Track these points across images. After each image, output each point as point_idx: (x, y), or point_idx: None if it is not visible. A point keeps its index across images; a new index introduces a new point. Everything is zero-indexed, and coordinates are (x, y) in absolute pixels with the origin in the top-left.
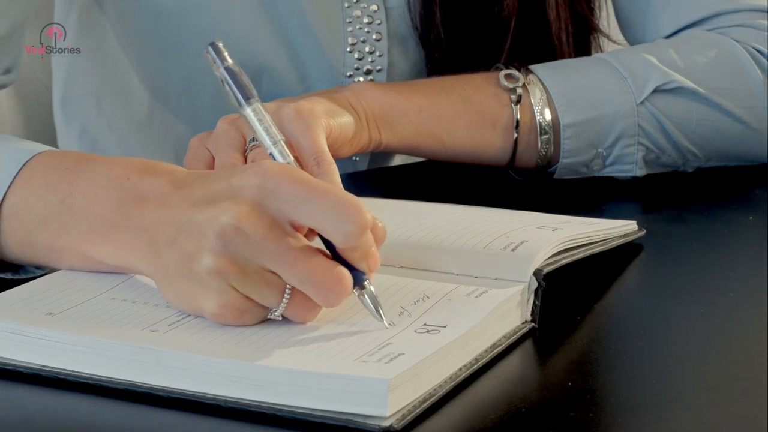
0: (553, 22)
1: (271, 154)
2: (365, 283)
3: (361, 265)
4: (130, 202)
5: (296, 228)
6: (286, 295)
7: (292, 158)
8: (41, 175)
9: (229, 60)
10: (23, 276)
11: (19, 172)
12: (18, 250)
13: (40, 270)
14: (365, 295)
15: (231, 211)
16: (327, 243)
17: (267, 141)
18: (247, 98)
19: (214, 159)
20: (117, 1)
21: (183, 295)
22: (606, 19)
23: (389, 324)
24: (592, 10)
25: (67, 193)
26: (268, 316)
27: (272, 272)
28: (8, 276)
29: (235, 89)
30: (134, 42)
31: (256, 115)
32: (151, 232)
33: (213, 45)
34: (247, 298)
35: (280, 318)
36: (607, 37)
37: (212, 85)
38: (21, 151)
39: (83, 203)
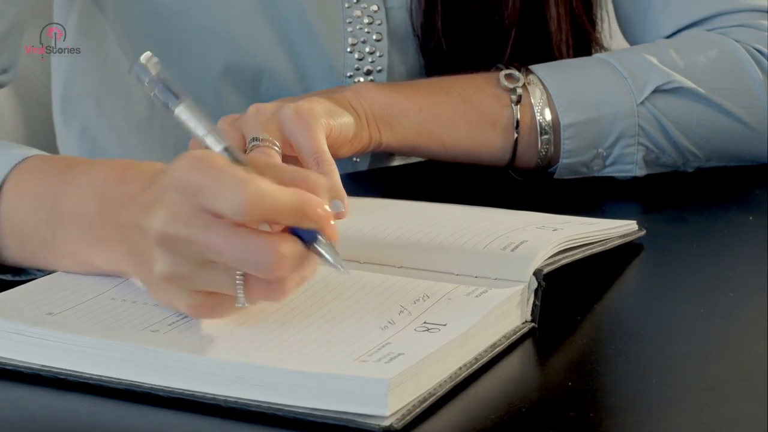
0: (554, 33)
1: (207, 146)
2: (317, 236)
3: (306, 227)
4: (109, 208)
5: (218, 215)
6: (238, 279)
7: (226, 143)
8: (30, 181)
9: (154, 71)
10: (24, 278)
11: (6, 177)
12: (16, 254)
13: (41, 272)
14: (318, 247)
15: (157, 217)
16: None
17: (199, 133)
18: (175, 100)
19: None
20: (117, 2)
21: (160, 298)
22: (608, 30)
23: (345, 271)
24: (593, 23)
25: (55, 202)
26: (236, 305)
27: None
28: (8, 278)
29: (162, 98)
30: (134, 42)
31: (188, 112)
32: (127, 237)
33: (137, 63)
34: (212, 294)
35: (246, 305)
36: (608, 50)
37: (212, 82)
38: (8, 155)
39: (71, 211)
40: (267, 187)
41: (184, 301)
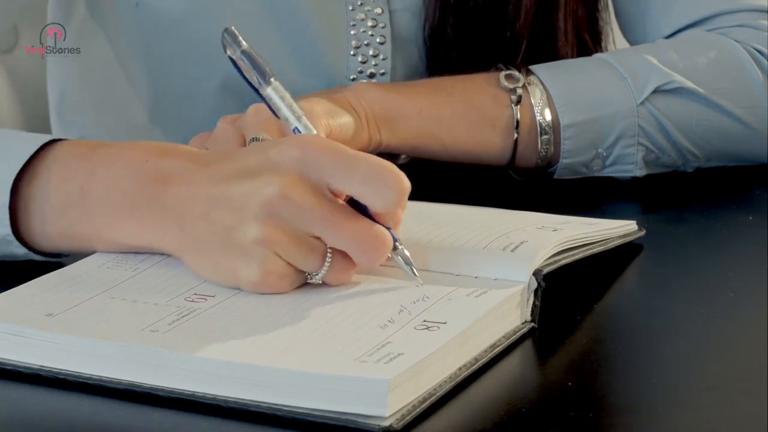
0: (561, 47)
1: (295, 129)
2: (396, 243)
3: (388, 223)
4: (151, 182)
5: (335, 194)
6: (327, 259)
7: (315, 131)
8: (55, 164)
9: (245, 43)
10: (59, 260)
11: (36, 157)
12: (49, 236)
13: (75, 255)
14: (398, 256)
15: (276, 182)
16: (359, 208)
17: (291, 117)
18: (266, 78)
19: None
20: (117, 10)
21: (219, 266)
22: (613, 44)
23: (421, 283)
24: (597, 37)
25: (85, 181)
26: (309, 281)
27: (315, 238)
28: (41, 259)
29: (253, 71)
30: (134, 50)
31: (278, 93)
32: (178, 209)
33: (227, 30)
34: (288, 264)
35: (320, 282)
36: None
37: (213, 93)
38: (38, 136)
39: (102, 189)
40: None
41: (262, 266)
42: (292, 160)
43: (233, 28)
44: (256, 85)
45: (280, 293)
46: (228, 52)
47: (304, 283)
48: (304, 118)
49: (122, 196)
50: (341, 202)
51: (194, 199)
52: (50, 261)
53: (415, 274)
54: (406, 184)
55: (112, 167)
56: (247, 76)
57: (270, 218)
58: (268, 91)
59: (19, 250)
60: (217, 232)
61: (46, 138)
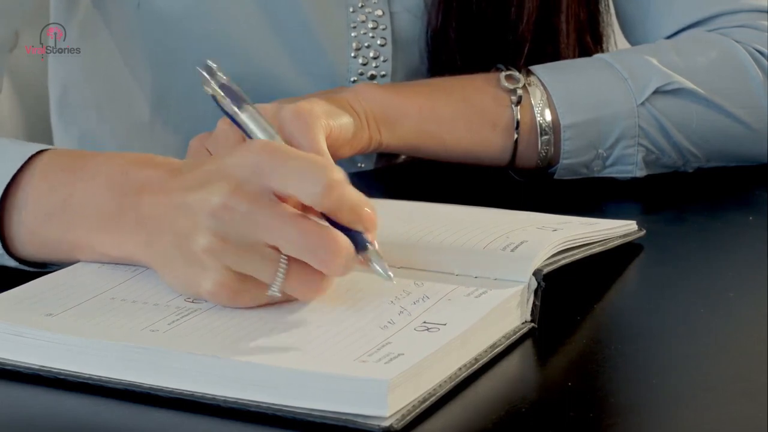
0: (563, 49)
1: None
2: (367, 244)
3: (356, 227)
4: (128, 194)
5: (283, 200)
6: (281, 266)
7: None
8: (41, 174)
9: (224, 77)
10: (46, 270)
11: (21, 169)
12: (34, 248)
13: (61, 265)
14: (370, 254)
15: (219, 190)
16: (325, 217)
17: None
18: (240, 105)
19: None
20: (118, 9)
21: (181, 277)
22: (614, 45)
23: (395, 282)
24: (598, 40)
25: (68, 194)
26: (268, 293)
27: (268, 247)
28: (30, 269)
29: (228, 102)
30: (135, 49)
31: (252, 118)
32: (150, 220)
33: (206, 66)
34: (244, 277)
35: (279, 295)
36: None
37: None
38: (25, 146)
39: (84, 201)
40: (343, 178)
41: (214, 278)
42: (235, 166)
43: (211, 63)
44: (233, 113)
45: (244, 308)
46: (205, 87)
47: (273, 300)
48: (277, 137)
49: (102, 209)
50: (290, 207)
51: (162, 210)
52: (40, 272)
53: (389, 275)
54: (334, 177)
55: (92, 180)
56: (224, 107)
57: (216, 228)
58: (242, 118)
59: (9, 262)
60: (179, 243)
61: (29, 152)
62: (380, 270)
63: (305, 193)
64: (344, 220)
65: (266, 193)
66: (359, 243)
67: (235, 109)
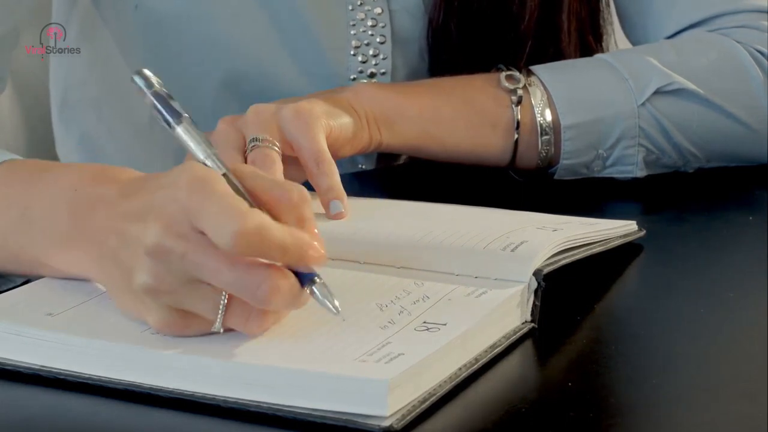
0: (565, 48)
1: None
2: (313, 278)
3: (294, 266)
4: (81, 211)
5: None
6: (221, 304)
7: (225, 169)
8: (1, 187)
9: (156, 85)
10: (6, 286)
11: None
12: None
13: (22, 279)
14: (315, 290)
15: (153, 229)
16: None
17: (200, 156)
18: (177, 118)
19: None
20: (117, 9)
21: (130, 307)
22: (614, 46)
23: (344, 319)
24: (599, 37)
25: (25, 207)
26: (212, 329)
27: (207, 284)
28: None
29: (164, 112)
30: (135, 49)
31: (187, 133)
32: (99, 241)
33: (139, 73)
34: (186, 312)
35: (221, 331)
36: None
37: (213, 92)
38: None
39: (41, 216)
40: (264, 223)
41: (157, 316)
42: (168, 203)
43: (145, 70)
44: (166, 126)
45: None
46: (141, 95)
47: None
48: (213, 155)
49: (57, 225)
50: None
51: (108, 234)
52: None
53: (336, 310)
54: (247, 225)
55: (47, 194)
56: (159, 117)
57: (154, 267)
58: (178, 132)
59: None
60: (123, 275)
61: None
62: (327, 305)
63: (217, 239)
64: (276, 260)
65: (195, 232)
66: (303, 278)
67: (171, 122)
